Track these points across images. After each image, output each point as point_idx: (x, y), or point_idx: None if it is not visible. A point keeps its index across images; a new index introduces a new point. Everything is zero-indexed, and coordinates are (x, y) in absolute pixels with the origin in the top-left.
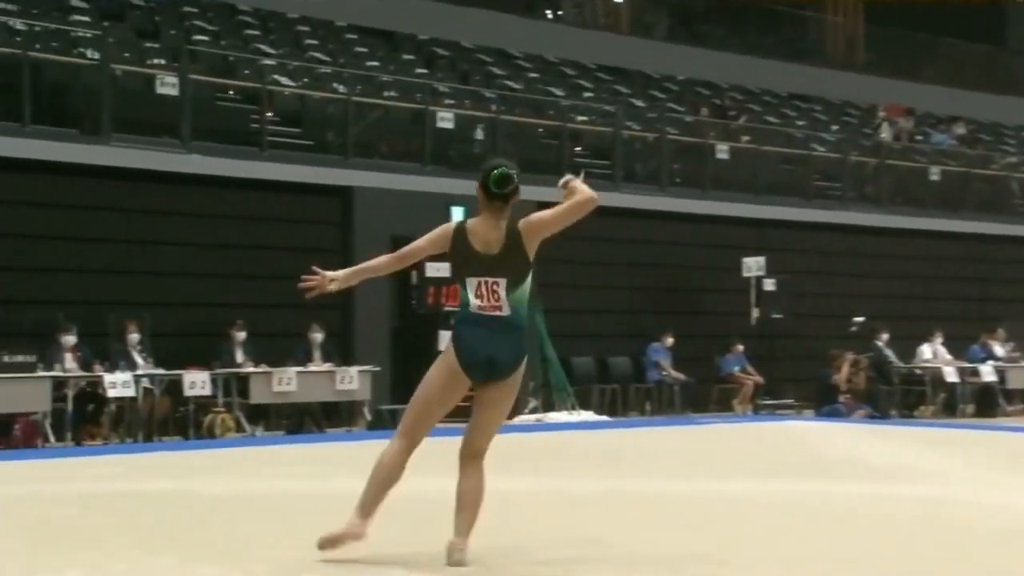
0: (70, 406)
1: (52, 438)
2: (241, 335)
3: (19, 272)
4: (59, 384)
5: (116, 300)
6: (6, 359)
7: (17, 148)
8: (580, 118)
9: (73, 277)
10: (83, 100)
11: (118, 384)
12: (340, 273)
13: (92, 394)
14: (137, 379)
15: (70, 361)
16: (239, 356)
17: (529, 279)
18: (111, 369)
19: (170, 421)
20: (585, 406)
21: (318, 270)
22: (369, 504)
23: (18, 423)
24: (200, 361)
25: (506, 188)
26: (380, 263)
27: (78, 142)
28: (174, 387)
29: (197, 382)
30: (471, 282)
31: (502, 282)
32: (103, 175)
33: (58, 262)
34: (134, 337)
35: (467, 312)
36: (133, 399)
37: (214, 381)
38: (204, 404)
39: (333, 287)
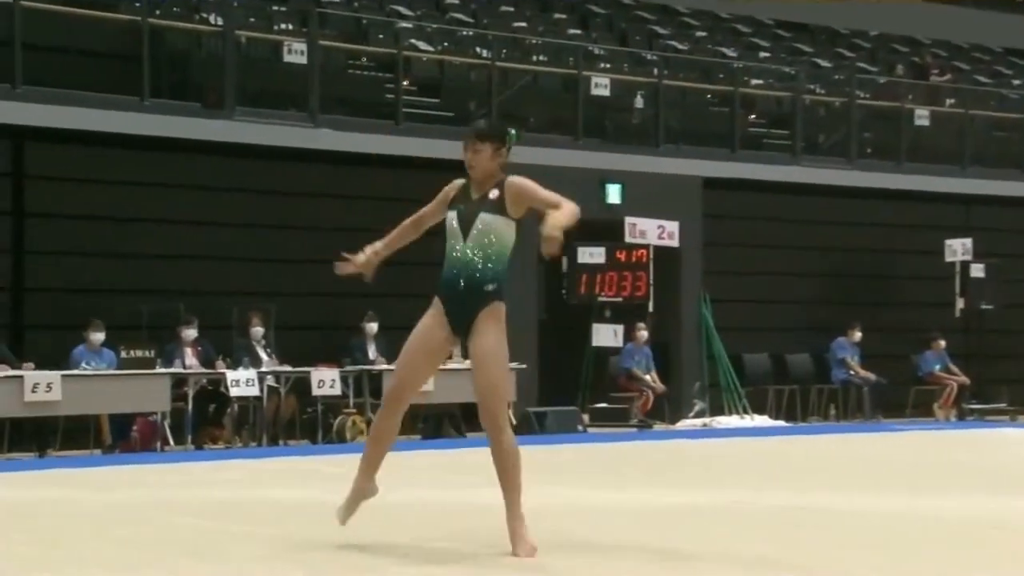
0: (190, 406)
1: (171, 441)
2: (373, 328)
3: (136, 260)
4: (179, 382)
5: (239, 290)
6: (123, 355)
7: (134, 124)
8: (755, 82)
9: (193, 265)
10: (205, 71)
11: (241, 382)
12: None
13: (214, 393)
14: (261, 377)
15: (190, 357)
16: (371, 352)
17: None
18: (234, 366)
19: (297, 423)
20: (759, 410)
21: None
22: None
23: (136, 424)
24: (329, 357)
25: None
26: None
27: (199, 117)
28: (301, 386)
29: (326, 380)
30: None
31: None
32: (225, 152)
33: (178, 248)
34: (258, 331)
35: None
36: (257, 399)
37: (344, 379)
38: (334, 405)
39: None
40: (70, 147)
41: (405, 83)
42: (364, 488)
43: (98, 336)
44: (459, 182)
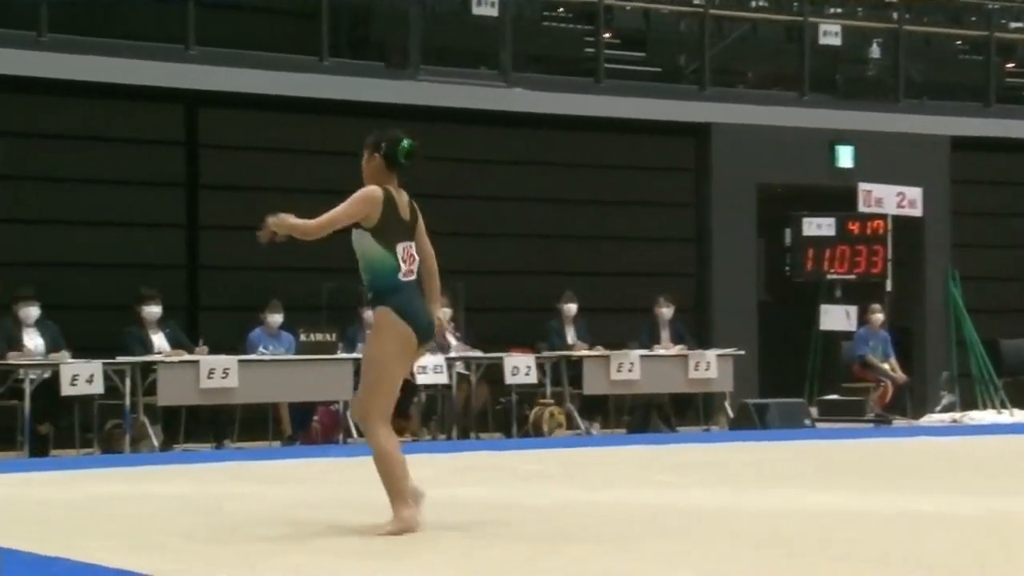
0: None
1: (354, 432)
2: (572, 309)
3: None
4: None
5: None
6: (302, 338)
7: (313, 86)
8: (1014, 25)
9: None
10: (387, 27)
11: (428, 369)
12: (286, 219)
13: None
14: (450, 363)
15: None
16: (570, 336)
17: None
18: None
19: (488, 414)
20: (1018, 403)
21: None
22: (407, 490)
23: (317, 414)
24: (524, 342)
25: (414, 161)
26: (307, 226)
27: (381, 77)
28: (493, 373)
29: (520, 367)
30: (400, 247)
31: (413, 246)
32: (409, 116)
33: None
34: (445, 312)
35: (397, 280)
36: (446, 387)
37: (540, 367)
38: (529, 394)
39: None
40: (245, 112)
41: (606, 36)
42: (412, 513)
43: (276, 318)
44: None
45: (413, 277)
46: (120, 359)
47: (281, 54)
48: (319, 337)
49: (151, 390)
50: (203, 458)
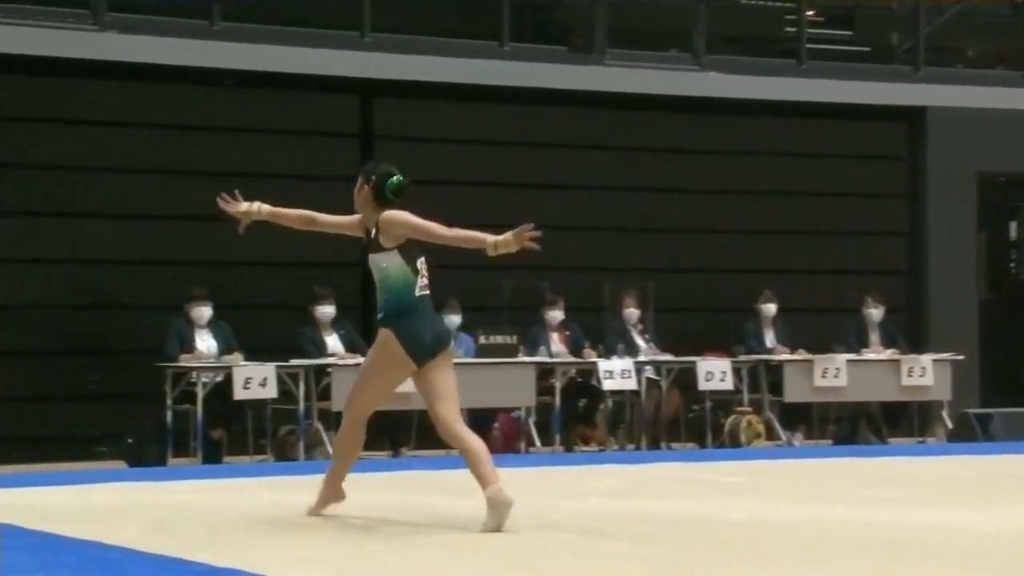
0: (557, 401)
1: (537, 441)
2: (771, 309)
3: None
4: (544, 373)
5: (611, 265)
6: (481, 340)
7: (493, 73)
8: None
9: (559, 236)
10: (571, 10)
11: (615, 374)
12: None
13: (583, 386)
14: (639, 367)
15: (557, 343)
16: (769, 339)
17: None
18: (606, 354)
19: (681, 422)
20: None
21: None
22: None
23: (498, 421)
24: (718, 345)
25: (402, 197)
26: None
27: (565, 63)
28: (685, 378)
29: (715, 373)
30: (420, 261)
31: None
32: (595, 103)
33: (542, 217)
34: (633, 313)
35: (412, 298)
36: (634, 393)
37: (737, 371)
38: (724, 402)
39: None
40: (422, 102)
41: (809, 13)
42: (500, 495)
43: (453, 319)
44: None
45: (428, 291)
46: (294, 362)
47: (460, 40)
48: (499, 339)
49: (325, 394)
50: (379, 467)
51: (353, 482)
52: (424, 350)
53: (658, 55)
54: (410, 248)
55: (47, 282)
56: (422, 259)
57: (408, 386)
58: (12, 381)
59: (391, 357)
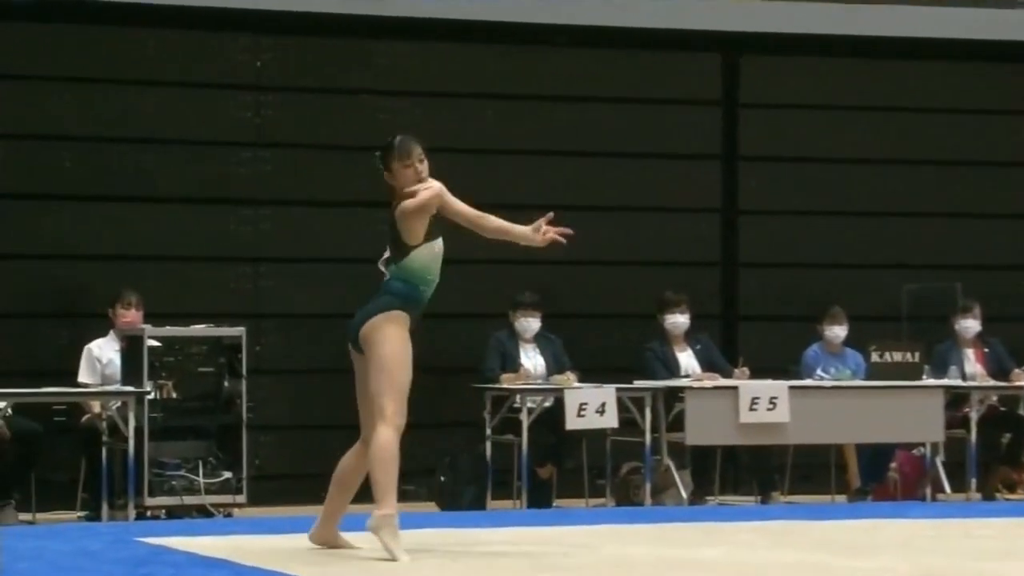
0: (973, 435)
1: (946, 485)
2: None
3: (889, 220)
4: (956, 399)
5: None
6: (875, 358)
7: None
8: None
9: (973, 225)
10: None
11: None
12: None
13: (1008, 416)
14: None
15: (972, 362)
16: None
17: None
18: None
19: None
20: None
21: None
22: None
23: (896, 460)
24: None
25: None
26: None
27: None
28: None
29: None
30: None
31: None
32: None
33: (958, 202)
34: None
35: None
36: None
37: None
38: None
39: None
40: (797, 60)
41: None
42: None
43: (839, 331)
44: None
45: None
46: (638, 384)
47: None
48: (897, 357)
49: (677, 424)
50: (744, 515)
51: (712, 535)
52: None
53: None
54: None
55: (338, 285)
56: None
57: (780, 413)
58: (297, 403)
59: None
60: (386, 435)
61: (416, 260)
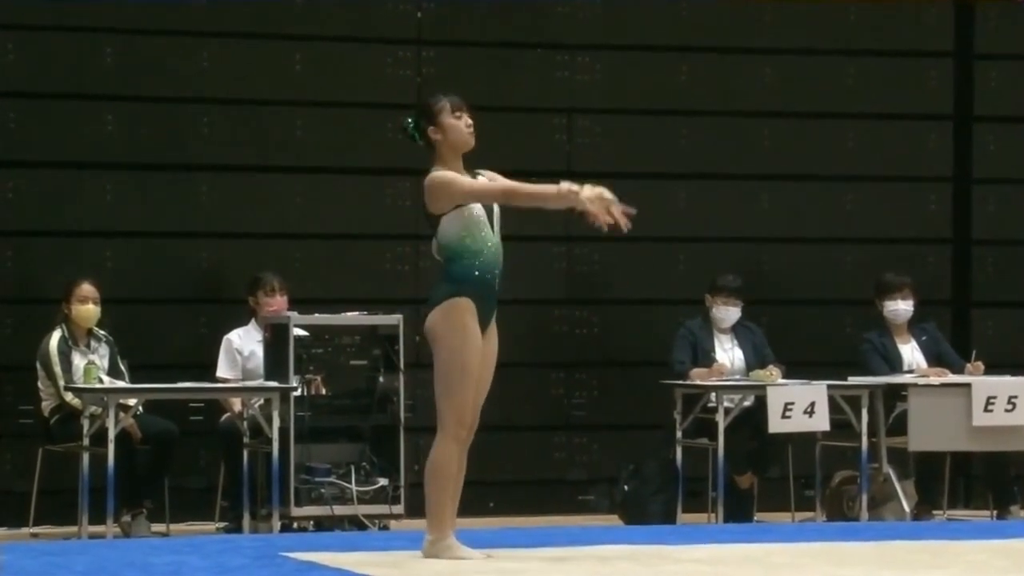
0: None
1: None
2: None
3: None
4: None
5: None
6: None
7: None
8: None
9: None
10: None
11: None
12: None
13: None
14: None
15: None
16: None
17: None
18: None
19: None
20: None
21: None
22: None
23: None
24: None
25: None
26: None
27: None
28: None
29: None
30: None
31: None
32: None
33: None
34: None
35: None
36: None
37: None
38: None
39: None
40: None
41: None
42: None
43: None
44: (443, 170)
45: None
46: (853, 380)
47: None
48: None
49: (899, 427)
50: (977, 532)
51: (942, 554)
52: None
53: None
54: None
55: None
56: None
57: (1020, 415)
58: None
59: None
60: (442, 449)
61: (447, 231)
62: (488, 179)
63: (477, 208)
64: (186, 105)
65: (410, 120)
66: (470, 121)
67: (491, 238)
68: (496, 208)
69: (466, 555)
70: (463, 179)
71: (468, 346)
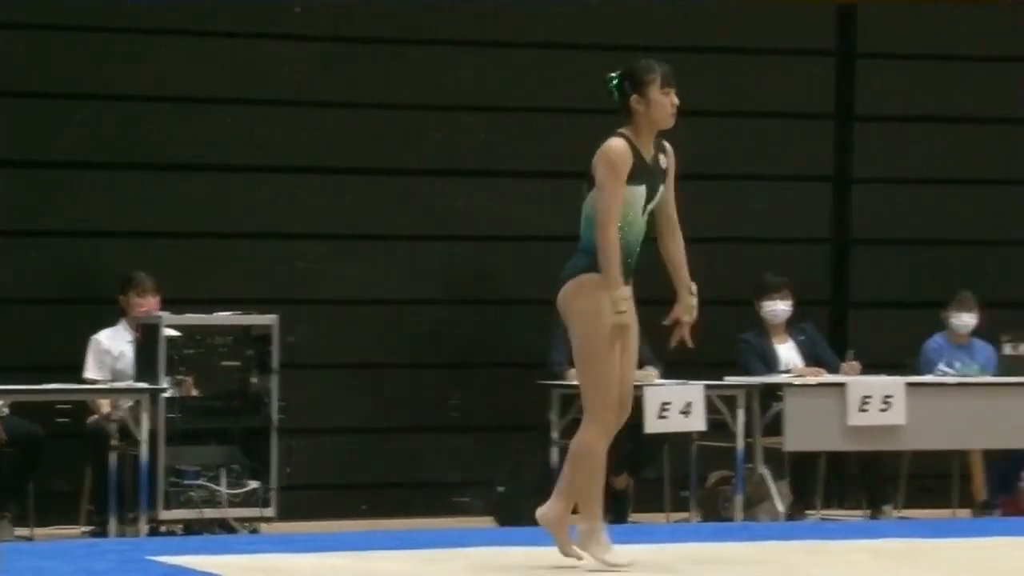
0: None
1: None
2: None
3: None
4: None
5: None
6: (1007, 351)
7: None
8: None
9: None
10: None
11: None
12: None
13: None
14: None
15: None
16: None
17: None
18: None
19: None
20: None
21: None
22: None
23: None
24: None
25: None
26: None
27: None
28: None
29: None
30: None
31: None
32: None
33: None
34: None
35: None
36: None
37: None
38: None
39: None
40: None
41: None
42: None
43: (966, 319)
44: (622, 145)
45: None
46: (729, 380)
47: None
48: None
49: (774, 427)
50: (851, 532)
51: (814, 553)
52: None
53: None
54: None
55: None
56: None
57: (894, 415)
58: (335, 403)
59: None
60: (587, 434)
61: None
62: (670, 158)
63: (640, 192)
64: (58, 101)
65: (615, 79)
66: (676, 101)
67: (640, 218)
68: (658, 198)
69: (612, 560)
70: (617, 185)
71: (604, 326)
